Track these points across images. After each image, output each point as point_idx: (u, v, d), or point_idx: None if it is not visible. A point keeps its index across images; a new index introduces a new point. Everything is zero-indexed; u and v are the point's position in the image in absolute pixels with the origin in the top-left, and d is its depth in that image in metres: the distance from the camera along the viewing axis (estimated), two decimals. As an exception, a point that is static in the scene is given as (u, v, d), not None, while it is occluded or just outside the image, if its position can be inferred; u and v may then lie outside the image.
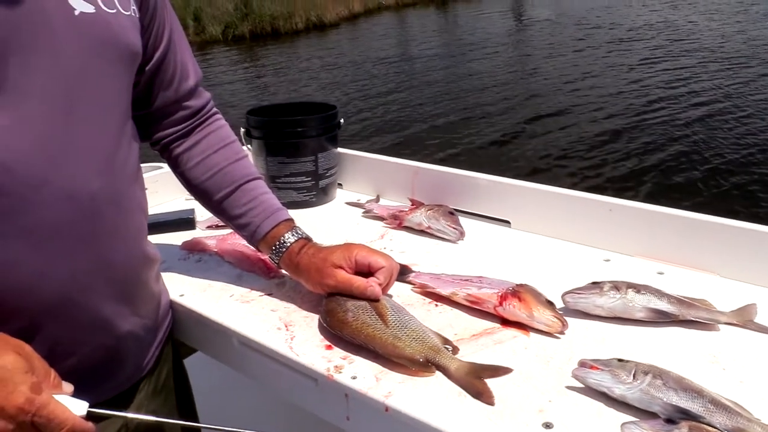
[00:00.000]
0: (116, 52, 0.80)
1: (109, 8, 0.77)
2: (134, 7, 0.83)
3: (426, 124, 7.54)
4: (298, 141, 1.44)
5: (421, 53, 13.26)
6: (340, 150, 1.56)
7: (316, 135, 1.46)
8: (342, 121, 1.53)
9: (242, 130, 1.48)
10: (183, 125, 1.03)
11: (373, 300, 0.93)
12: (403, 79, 10.49)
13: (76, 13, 0.73)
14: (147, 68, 0.93)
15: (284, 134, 1.44)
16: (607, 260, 1.17)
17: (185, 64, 1.00)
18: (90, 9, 0.75)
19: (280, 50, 14.97)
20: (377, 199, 1.51)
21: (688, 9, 17.33)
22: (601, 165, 5.75)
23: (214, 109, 1.08)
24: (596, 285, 0.98)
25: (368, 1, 23.14)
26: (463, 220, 1.33)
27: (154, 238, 1.05)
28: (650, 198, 4.64)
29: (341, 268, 0.96)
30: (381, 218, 1.39)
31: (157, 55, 0.94)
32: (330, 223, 1.41)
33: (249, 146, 1.51)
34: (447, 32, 17.45)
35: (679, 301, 0.95)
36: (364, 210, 1.45)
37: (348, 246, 1.00)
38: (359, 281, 0.95)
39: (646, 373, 0.76)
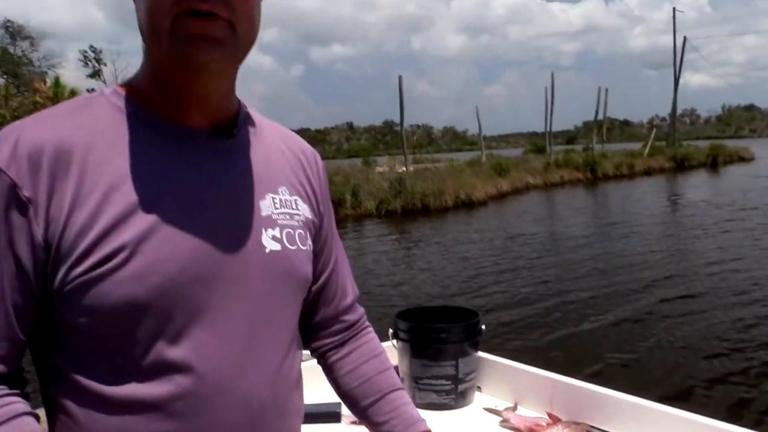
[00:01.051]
0: (294, 282, 0.96)
1: (291, 245, 0.94)
2: (309, 242, 1.00)
3: (567, 311, 7.33)
4: (441, 346, 1.54)
5: (567, 232, 13.28)
6: (480, 354, 1.63)
7: (458, 341, 1.55)
8: (483, 327, 1.62)
9: (390, 331, 1.61)
10: (339, 336, 1.16)
11: None
12: (546, 258, 10.48)
13: (267, 251, 0.90)
14: (313, 288, 1.09)
15: (428, 338, 1.55)
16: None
17: (345, 284, 1.15)
18: (277, 247, 0.92)
19: (429, 225, 15.67)
20: (515, 407, 1.54)
21: None
22: (747, 384, 5.03)
23: (366, 323, 1.21)
24: None
25: (516, 180, 23.94)
26: (602, 441, 1.31)
27: (303, 428, 1.15)
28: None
29: None
30: (518, 430, 1.41)
31: (323, 278, 1.10)
32: (467, 430, 1.44)
33: (395, 343, 1.62)
34: (595, 211, 17.42)
35: None
36: (501, 419, 1.48)
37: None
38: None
39: None
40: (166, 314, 0.78)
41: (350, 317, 1.17)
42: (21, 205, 0.71)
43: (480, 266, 10.03)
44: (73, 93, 28.94)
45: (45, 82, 30.70)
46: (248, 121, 0.93)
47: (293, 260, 0.95)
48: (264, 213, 0.91)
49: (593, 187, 25.05)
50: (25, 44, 39.53)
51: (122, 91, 0.82)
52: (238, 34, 0.76)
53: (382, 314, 7.67)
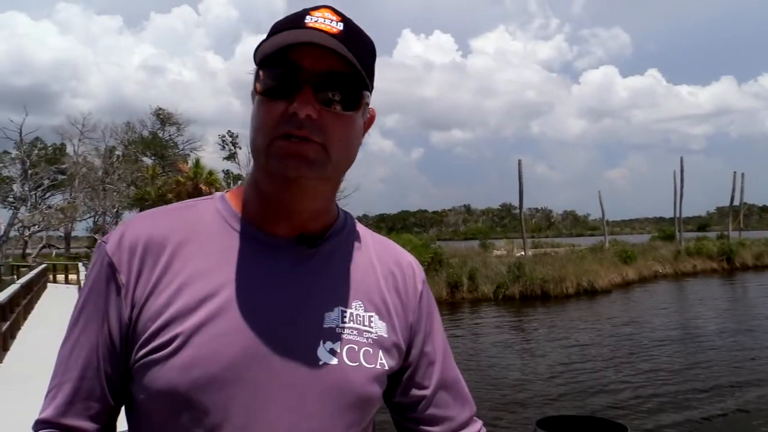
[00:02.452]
0: (348, 399, 0.87)
1: (351, 362, 0.86)
2: (383, 361, 0.90)
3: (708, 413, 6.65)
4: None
5: (702, 326, 12.27)
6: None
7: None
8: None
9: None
10: None
11: None
12: (680, 354, 9.68)
13: (320, 363, 0.84)
14: (419, 407, 0.99)
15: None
16: None
17: (457, 400, 1.04)
18: (333, 361, 0.84)
19: (548, 312, 15.07)
20: None
21: None
22: None
23: None
24: None
25: (643, 268, 22.69)
26: None
27: None
28: None
29: None
30: None
31: (427, 396, 1.00)
32: None
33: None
34: (737, 304, 16.02)
35: None
36: None
37: None
38: None
39: None
40: (203, 408, 0.78)
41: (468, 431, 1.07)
42: (117, 287, 0.81)
43: (605, 359, 9.43)
44: (210, 173, 31.27)
45: (187, 163, 33.50)
46: (340, 233, 0.92)
47: (349, 377, 0.87)
48: (327, 325, 0.86)
49: (730, 278, 23.18)
50: (173, 129, 43.61)
51: (230, 197, 0.90)
52: (331, 157, 0.79)
53: (497, 402, 7.34)
